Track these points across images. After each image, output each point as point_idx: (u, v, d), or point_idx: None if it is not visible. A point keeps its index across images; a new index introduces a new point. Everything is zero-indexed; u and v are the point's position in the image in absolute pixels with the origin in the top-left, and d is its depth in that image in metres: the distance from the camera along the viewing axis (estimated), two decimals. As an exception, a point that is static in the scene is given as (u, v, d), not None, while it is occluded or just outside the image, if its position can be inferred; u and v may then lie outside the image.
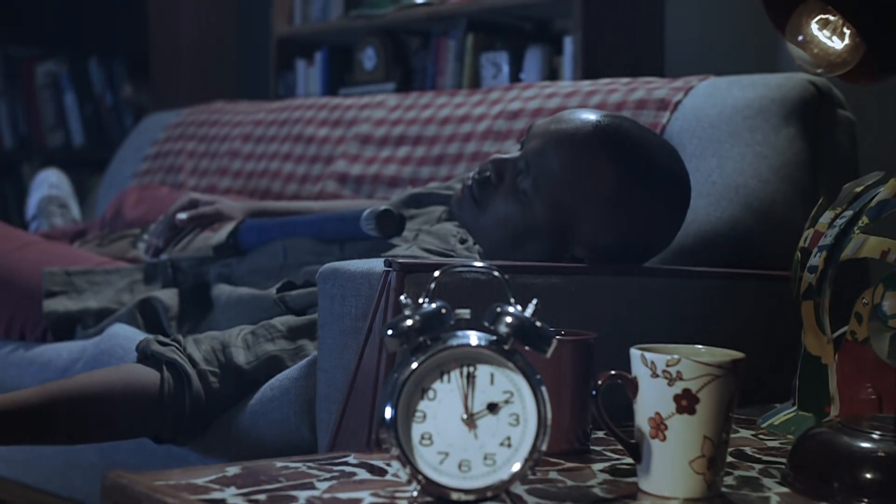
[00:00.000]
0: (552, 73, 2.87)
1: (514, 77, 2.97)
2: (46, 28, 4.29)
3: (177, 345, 1.59)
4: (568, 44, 2.75)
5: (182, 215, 2.04)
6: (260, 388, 1.55)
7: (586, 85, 2.13)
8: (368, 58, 3.42)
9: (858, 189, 1.43)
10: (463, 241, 1.74)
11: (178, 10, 3.84)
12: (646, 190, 1.56)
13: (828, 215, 1.43)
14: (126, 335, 1.81)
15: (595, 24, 2.69)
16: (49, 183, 2.92)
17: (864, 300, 1.34)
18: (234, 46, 4.03)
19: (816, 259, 1.38)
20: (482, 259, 1.66)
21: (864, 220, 1.36)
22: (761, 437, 1.35)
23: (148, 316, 1.90)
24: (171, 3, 3.83)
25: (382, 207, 1.80)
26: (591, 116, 1.58)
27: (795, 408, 1.41)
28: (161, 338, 1.61)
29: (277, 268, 1.88)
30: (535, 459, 0.97)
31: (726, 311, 1.61)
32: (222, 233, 1.99)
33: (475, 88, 2.69)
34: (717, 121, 1.86)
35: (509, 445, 0.98)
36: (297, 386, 1.49)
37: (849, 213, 1.39)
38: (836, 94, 1.88)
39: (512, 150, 1.65)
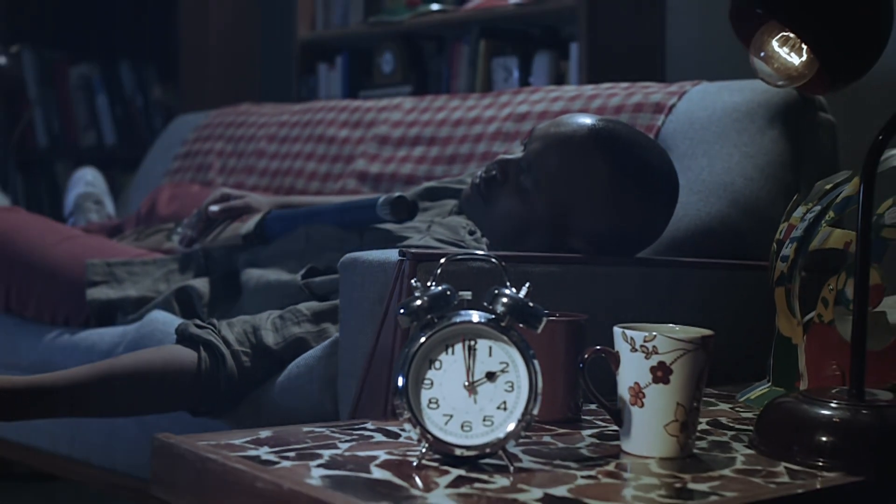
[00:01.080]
0: (559, 77, 2.97)
1: (524, 80, 3.08)
2: (80, 33, 4.35)
3: (212, 328, 1.75)
4: (574, 49, 2.86)
5: (214, 208, 2.20)
6: (287, 366, 1.71)
7: (589, 89, 2.26)
8: (386, 62, 3.53)
9: (828, 186, 1.57)
10: (472, 233, 1.89)
11: (207, 17, 3.93)
12: (637, 187, 1.71)
13: (800, 210, 1.57)
14: (164, 320, 1.97)
15: (599, 31, 2.80)
16: (85, 181, 3.04)
17: (829, 286, 1.48)
18: (260, 51, 4.12)
19: (788, 249, 1.52)
20: (489, 250, 1.81)
21: (831, 214, 1.50)
22: (738, 409, 1.49)
23: (183, 303, 2.06)
24: (200, 10, 3.92)
25: (396, 194, 1.95)
26: (587, 120, 1.74)
27: (770, 384, 1.55)
28: (198, 322, 1.77)
29: (300, 251, 2.03)
30: (527, 421, 1.13)
31: (712, 298, 1.75)
32: (251, 223, 2.14)
33: (487, 92, 2.81)
34: (708, 123, 2.00)
35: (505, 409, 1.13)
36: (321, 364, 1.64)
37: (818, 208, 1.54)
38: (818, 98, 2.01)
39: (516, 151, 1.81)
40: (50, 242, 2.27)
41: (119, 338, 2.02)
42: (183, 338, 1.74)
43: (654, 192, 1.73)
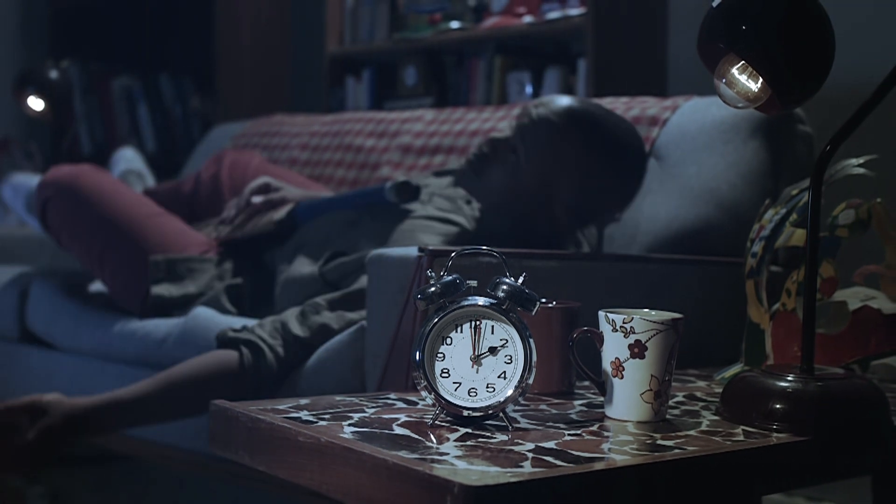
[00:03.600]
0: (568, 91, 3.11)
1: (536, 94, 3.20)
2: (122, 46, 4.52)
3: (246, 330, 1.99)
4: (581, 65, 3.05)
5: (257, 199, 2.44)
6: (316, 352, 1.94)
7: (592, 103, 2.47)
8: (410, 75, 3.66)
9: (794, 192, 1.78)
10: (468, 202, 2.13)
11: (242, 32, 4.07)
12: (609, 160, 1.98)
13: (770, 213, 1.79)
14: (206, 316, 2.20)
15: (605, 48, 2.96)
16: (125, 158, 3.16)
17: (792, 279, 1.69)
18: (291, 64, 4.24)
19: (757, 247, 1.74)
20: (483, 218, 2.07)
21: (794, 216, 1.71)
22: (712, 386, 1.70)
23: (232, 298, 2.31)
24: (235, 25, 4.05)
25: (401, 180, 2.21)
26: (565, 101, 2.00)
27: (742, 364, 1.77)
28: (233, 327, 2.01)
29: (322, 238, 2.26)
30: (523, 388, 1.34)
31: (696, 290, 1.95)
32: (283, 211, 2.39)
33: (502, 104, 2.98)
34: (697, 134, 2.20)
35: (505, 377, 1.35)
36: (348, 349, 1.87)
37: (784, 210, 1.75)
38: (797, 112, 2.21)
39: (505, 131, 2.07)
40: (143, 214, 2.46)
41: (169, 330, 2.25)
42: (223, 342, 1.98)
43: (624, 164, 2.02)
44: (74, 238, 2.48)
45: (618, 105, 2.40)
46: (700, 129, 2.20)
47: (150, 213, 2.48)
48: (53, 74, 3.70)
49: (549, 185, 2.04)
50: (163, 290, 2.35)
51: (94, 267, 2.46)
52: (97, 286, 2.72)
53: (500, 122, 2.65)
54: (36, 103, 3.73)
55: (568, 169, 2.04)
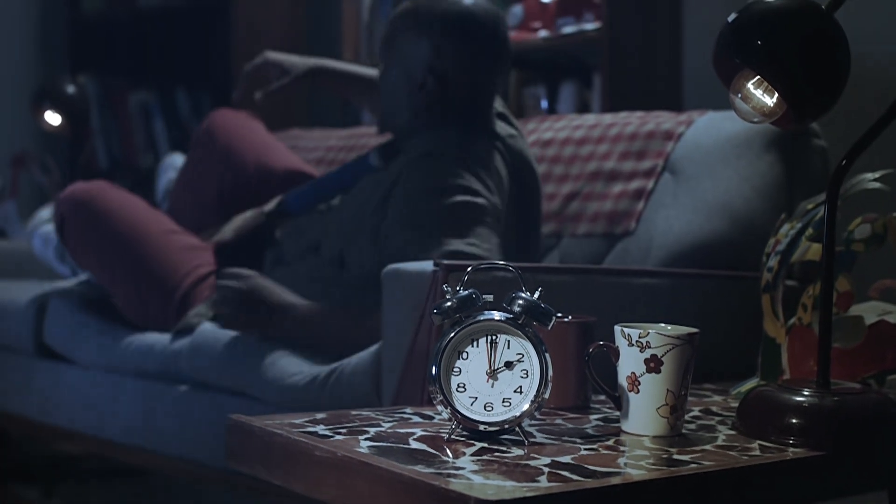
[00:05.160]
0: (583, 105, 3.12)
1: (552, 108, 3.22)
2: (139, 61, 4.55)
3: None
4: (596, 79, 3.06)
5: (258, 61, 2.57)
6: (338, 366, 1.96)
7: (607, 118, 2.48)
8: None
9: (809, 206, 1.79)
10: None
11: (258, 46, 3.90)
12: (449, 25, 2.22)
13: (786, 227, 1.79)
14: (212, 330, 2.25)
15: (620, 62, 2.97)
16: (174, 167, 3.14)
17: (808, 293, 1.69)
18: None
19: (773, 261, 1.74)
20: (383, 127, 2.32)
21: (810, 230, 1.72)
22: (729, 401, 1.71)
23: None
24: (251, 40, 4.05)
25: (382, 143, 2.33)
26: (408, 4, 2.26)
27: (758, 379, 1.77)
28: None
29: (318, 239, 2.29)
30: (538, 403, 1.35)
31: (711, 304, 1.96)
32: (271, 203, 2.41)
33: (518, 118, 2.99)
34: (712, 149, 2.20)
35: (521, 392, 1.35)
36: (370, 367, 1.88)
37: (800, 225, 1.75)
38: (812, 126, 2.21)
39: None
40: (156, 231, 2.49)
41: (181, 347, 2.29)
42: None
43: (474, 34, 2.23)
44: (89, 254, 2.52)
45: (633, 119, 2.41)
46: (715, 144, 2.21)
47: (164, 230, 2.51)
48: (70, 89, 3.73)
49: (410, 59, 2.25)
50: (193, 318, 2.35)
51: (108, 283, 2.50)
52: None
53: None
54: (53, 118, 3.76)
55: (423, 45, 2.23)
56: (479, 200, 2.05)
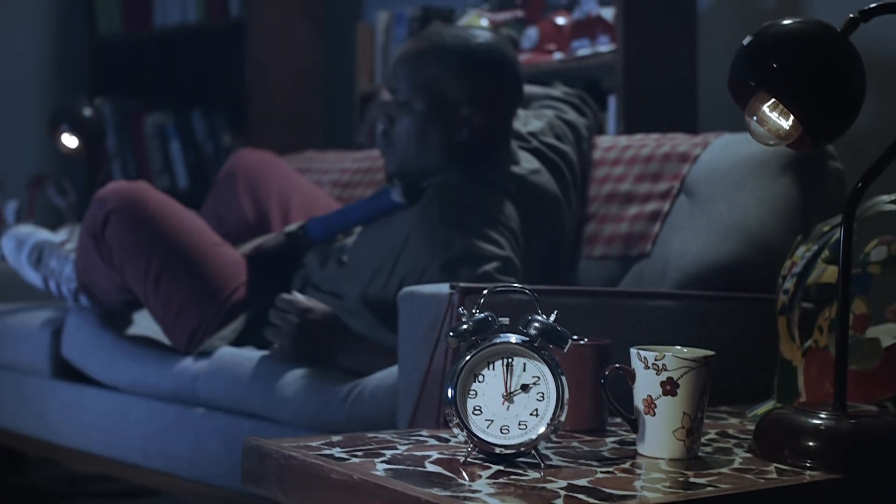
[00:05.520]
0: (599, 127, 3.13)
1: None
2: (155, 83, 4.58)
3: None
4: (612, 101, 3.06)
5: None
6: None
7: (623, 140, 2.48)
8: None
9: (825, 228, 1.78)
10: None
11: (273, 70, 4.11)
12: (467, 62, 2.22)
13: (802, 249, 1.79)
14: (231, 354, 2.26)
15: (635, 84, 2.97)
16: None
17: (824, 315, 1.69)
18: (322, 101, 4.27)
19: (789, 283, 1.74)
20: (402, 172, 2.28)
21: (826, 253, 1.72)
22: (745, 423, 1.70)
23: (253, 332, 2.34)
24: (267, 64, 4.09)
25: (398, 184, 2.31)
26: (415, 43, 2.23)
27: (774, 401, 1.76)
28: None
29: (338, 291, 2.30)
30: (555, 425, 1.35)
31: (727, 327, 1.96)
32: (293, 225, 2.42)
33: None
34: (728, 171, 2.20)
35: (537, 415, 1.36)
36: (391, 387, 1.88)
37: (816, 247, 1.75)
38: (828, 148, 2.21)
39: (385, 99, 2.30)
40: (207, 242, 2.44)
41: (199, 370, 2.28)
42: None
43: (480, 58, 2.24)
44: (133, 256, 2.40)
45: (648, 141, 2.41)
46: (731, 166, 2.20)
47: (213, 241, 2.46)
48: (87, 112, 3.74)
49: (444, 106, 2.22)
50: (228, 333, 2.36)
51: (148, 290, 2.40)
52: (138, 318, 2.73)
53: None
54: (70, 140, 3.77)
55: (457, 83, 2.22)
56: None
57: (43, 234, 2.88)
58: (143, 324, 2.68)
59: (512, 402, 1.36)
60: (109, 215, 2.42)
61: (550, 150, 2.33)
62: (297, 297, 2.15)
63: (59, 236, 2.92)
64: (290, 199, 2.71)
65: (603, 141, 2.52)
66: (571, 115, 2.46)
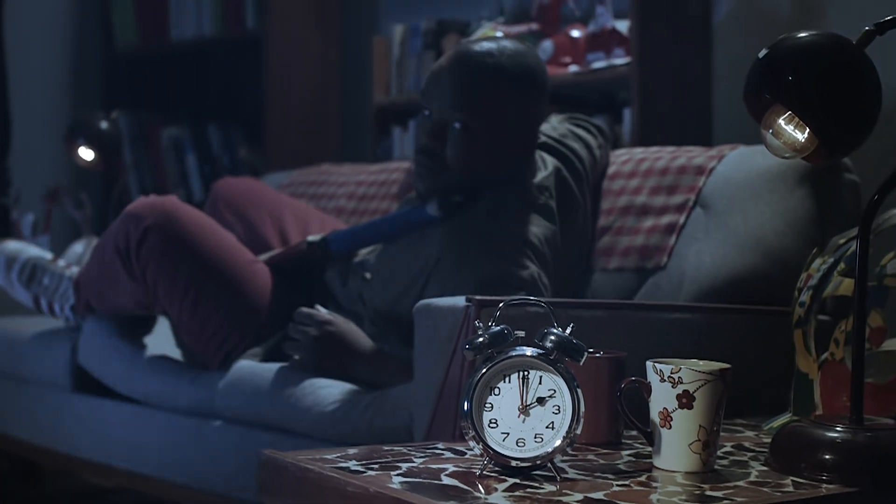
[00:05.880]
0: (614, 140, 3.15)
1: None
2: (171, 97, 4.59)
3: None
4: (627, 114, 3.06)
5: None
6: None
7: (639, 152, 2.47)
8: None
9: (841, 241, 1.78)
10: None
11: (289, 83, 4.12)
12: (505, 77, 2.18)
13: (817, 262, 1.79)
14: (249, 367, 2.26)
15: (650, 97, 2.97)
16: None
17: (840, 328, 1.69)
18: (338, 115, 4.28)
19: (805, 296, 1.74)
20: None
21: (842, 265, 1.71)
22: (761, 436, 1.70)
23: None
24: (283, 77, 4.10)
25: (437, 198, 2.25)
26: (466, 59, 2.18)
27: (790, 414, 1.76)
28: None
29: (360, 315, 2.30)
30: (571, 438, 1.35)
31: (743, 339, 1.96)
32: (317, 235, 2.41)
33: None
34: (744, 183, 2.20)
35: (553, 428, 1.36)
36: (409, 399, 1.89)
37: (832, 260, 1.75)
38: (844, 160, 2.20)
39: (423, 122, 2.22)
40: (244, 260, 2.41)
41: (215, 382, 2.30)
42: None
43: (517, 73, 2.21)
44: (171, 275, 2.35)
45: (664, 154, 2.41)
46: (746, 178, 2.20)
47: (248, 259, 2.43)
48: (103, 125, 3.75)
49: (502, 125, 2.19)
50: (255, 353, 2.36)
51: (184, 308, 2.35)
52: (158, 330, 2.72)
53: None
54: (86, 153, 3.78)
55: (506, 105, 2.19)
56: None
57: (33, 251, 2.85)
58: (155, 338, 2.68)
59: (528, 414, 1.36)
60: (147, 232, 2.35)
61: (559, 143, 2.36)
62: (317, 310, 2.15)
63: (48, 253, 2.87)
64: (282, 217, 2.70)
65: (619, 153, 2.52)
66: (578, 131, 2.47)
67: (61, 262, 2.78)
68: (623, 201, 2.35)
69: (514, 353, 1.37)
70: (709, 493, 1.32)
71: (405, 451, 1.50)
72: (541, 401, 1.36)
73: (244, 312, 2.35)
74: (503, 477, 1.35)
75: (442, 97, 2.18)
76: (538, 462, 1.35)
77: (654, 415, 1.44)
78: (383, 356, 2.12)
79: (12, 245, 2.86)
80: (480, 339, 1.37)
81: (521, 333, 1.38)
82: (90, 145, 3.74)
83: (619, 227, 2.33)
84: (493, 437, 1.35)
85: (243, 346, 2.34)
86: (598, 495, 1.28)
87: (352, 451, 1.48)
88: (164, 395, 2.41)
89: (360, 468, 1.37)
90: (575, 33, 3.27)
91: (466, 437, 1.37)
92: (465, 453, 1.49)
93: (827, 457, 1.40)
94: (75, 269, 2.73)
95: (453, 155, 2.18)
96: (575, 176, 2.32)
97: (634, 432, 1.54)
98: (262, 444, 2.07)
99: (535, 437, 1.35)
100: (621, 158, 2.49)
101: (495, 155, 2.20)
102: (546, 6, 3.37)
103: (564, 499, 1.26)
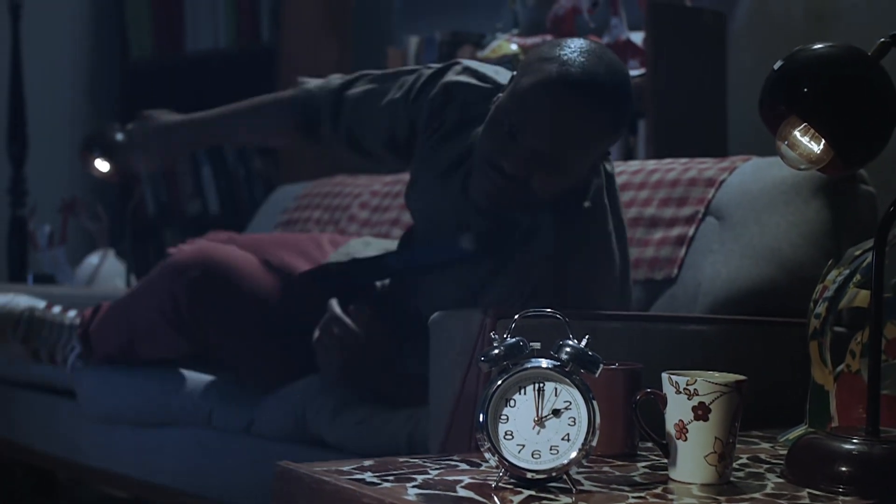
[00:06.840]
0: (629, 151, 3.14)
1: None
2: (187, 108, 4.56)
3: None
4: (641, 126, 3.07)
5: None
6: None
7: (651, 164, 2.47)
8: None
9: (857, 252, 1.78)
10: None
11: None
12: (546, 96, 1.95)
13: (833, 273, 1.78)
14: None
15: (664, 109, 2.96)
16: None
17: (856, 340, 1.68)
18: None
19: (820, 308, 1.73)
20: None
21: (858, 277, 1.71)
22: (777, 448, 1.70)
23: None
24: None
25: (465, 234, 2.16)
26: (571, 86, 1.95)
27: (806, 426, 1.76)
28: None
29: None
30: (586, 450, 1.35)
31: (758, 351, 1.95)
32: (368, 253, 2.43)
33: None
34: (759, 195, 2.20)
35: (568, 440, 1.36)
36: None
37: (847, 271, 1.75)
38: (860, 172, 2.21)
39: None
40: (276, 286, 2.39)
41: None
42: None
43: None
44: (222, 320, 2.35)
45: (675, 166, 2.41)
46: (761, 190, 2.20)
47: (278, 282, 2.41)
48: (119, 137, 3.77)
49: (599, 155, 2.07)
50: None
51: (234, 347, 2.37)
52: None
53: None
54: (102, 165, 3.80)
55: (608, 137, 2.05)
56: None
57: (23, 302, 2.76)
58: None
59: (543, 426, 1.36)
60: (194, 285, 2.34)
61: None
62: (344, 317, 2.14)
63: (41, 302, 2.79)
64: (265, 252, 2.53)
65: (631, 165, 2.53)
66: None
67: (55, 309, 2.73)
68: (632, 213, 2.35)
69: (529, 365, 1.37)
70: (725, 505, 1.31)
71: (420, 462, 1.49)
72: (556, 413, 1.36)
73: (287, 333, 2.34)
74: (519, 489, 1.35)
75: (553, 132, 1.95)
76: (554, 474, 1.35)
77: (670, 426, 1.44)
78: (397, 375, 2.11)
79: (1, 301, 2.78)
80: (496, 351, 1.37)
81: (537, 345, 1.38)
82: (106, 157, 3.75)
83: (628, 239, 2.33)
84: (509, 449, 1.35)
85: (291, 372, 2.34)
86: (614, 507, 1.28)
87: (367, 462, 1.48)
88: (167, 406, 2.41)
89: (375, 480, 1.37)
90: (589, 45, 3.27)
91: (482, 449, 1.37)
92: (481, 465, 1.49)
93: (843, 469, 1.40)
94: (72, 314, 2.70)
95: (544, 188, 1.99)
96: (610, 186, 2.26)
97: (650, 444, 1.53)
98: (278, 456, 2.07)
99: (551, 449, 1.35)
100: (632, 169, 2.50)
101: (579, 183, 2.06)
102: (561, 18, 3.37)
103: (580, 511, 1.26)
